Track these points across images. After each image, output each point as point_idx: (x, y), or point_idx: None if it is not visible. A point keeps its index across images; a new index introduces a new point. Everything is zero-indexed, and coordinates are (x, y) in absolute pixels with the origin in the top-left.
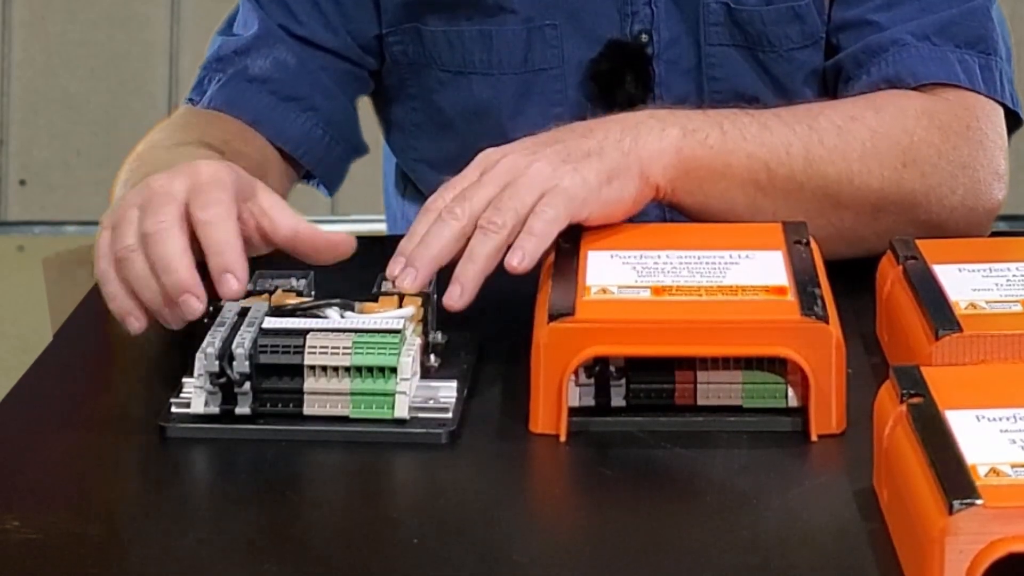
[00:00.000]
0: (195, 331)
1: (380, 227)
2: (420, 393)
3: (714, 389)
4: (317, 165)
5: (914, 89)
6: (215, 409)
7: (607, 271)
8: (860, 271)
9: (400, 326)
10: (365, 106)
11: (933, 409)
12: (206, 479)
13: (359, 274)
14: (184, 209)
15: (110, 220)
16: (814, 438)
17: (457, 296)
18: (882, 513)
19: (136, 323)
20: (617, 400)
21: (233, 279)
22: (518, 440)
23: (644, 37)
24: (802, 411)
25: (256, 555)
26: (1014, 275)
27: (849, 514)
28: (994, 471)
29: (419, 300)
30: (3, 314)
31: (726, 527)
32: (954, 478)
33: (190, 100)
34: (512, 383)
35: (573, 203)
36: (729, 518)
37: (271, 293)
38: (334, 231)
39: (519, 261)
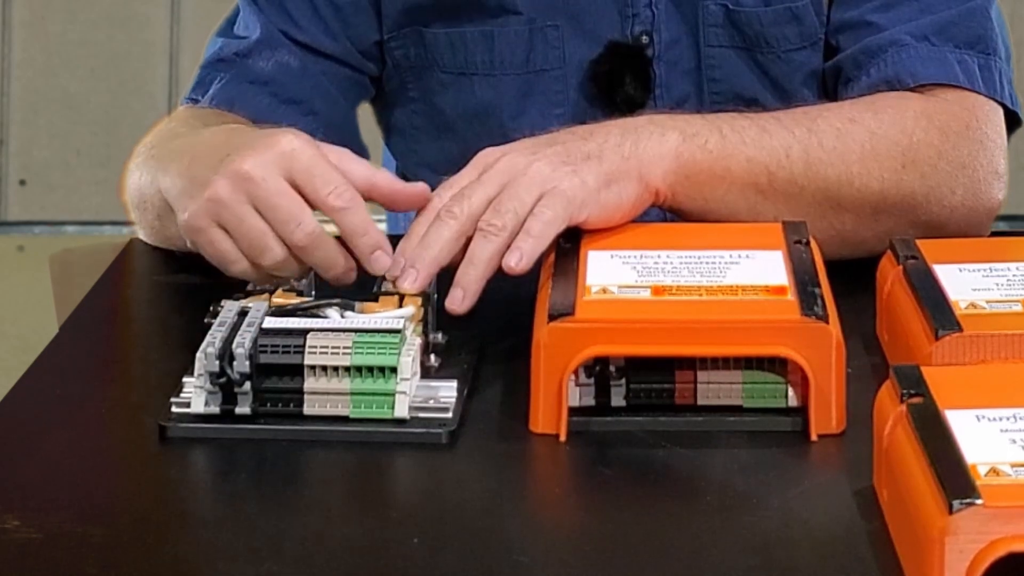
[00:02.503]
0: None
1: (380, 227)
2: (420, 393)
3: (714, 389)
4: None
5: (913, 90)
6: (215, 409)
7: (607, 271)
8: (860, 271)
9: (400, 326)
10: (365, 111)
11: (933, 409)
12: (206, 479)
13: (359, 274)
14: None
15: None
16: (814, 438)
17: (459, 300)
18: (882, 513)
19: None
20: (617, 400)
21: (383, 254)
22: (518, 440)
23: (645, 38)
24: (802, 411)
25: (256, 555)
26: (1014, 275)
27: (849, 514)
28: (994, 471)
29: (419, 300)
30: (3, 314)
31: (726, 527)
32: (954, 478)
33: (191, 100)
34: (512, 383)
35: (572, 205)
36: (729, 518)
37: (271, 293)
38: (406, 184)
39: (517, 262)
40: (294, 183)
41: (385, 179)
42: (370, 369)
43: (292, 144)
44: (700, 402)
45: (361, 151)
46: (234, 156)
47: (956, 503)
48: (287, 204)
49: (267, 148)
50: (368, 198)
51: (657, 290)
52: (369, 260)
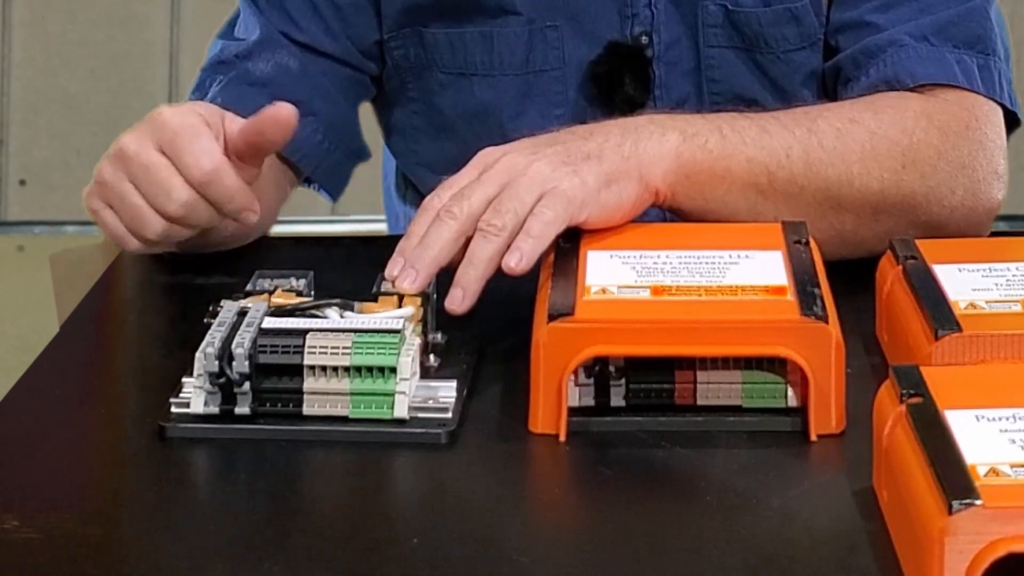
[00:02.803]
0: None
1: (380, 227)
2: (420, 393)
3: (714, 389)
4: (315, 170)
5: (913, 90)
6: (215, 409)
7: (607, 271)
8: (860, 271)
9: (400, 326)
10: (366, 109)
11: (933, 409)
12: (206, 479)
13: (359, 274)
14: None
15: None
16: (814, 438)
17: (459, 300)
18: (882, 513)
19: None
20: (617, 400)
21: (251, 213)
22: (518, 440)
23: (644, 39)
24: (802, 411)
25: (256, 555)
26: (1014, 275)
27: (849, 514)
28: (994, 471)
29: (418, 300)
30: (3, 314)
31: (726, 527)
32: (954, 478)
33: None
34: (512, 383)
35: (572, 205)
36: (729, 518)
37: (271, 293)
38: (263, 113)
39: (516, 262)
40: (165, 153)
41: (248, 121)
42: (370, 369)
43: (162, 115)
44: (700, 402)
45: (361, 151)
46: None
47: (956, 503)
48: (156, 176)
49: (143, 122)
50: (245, 142)
51: (657, 290)
52: (239, 219)
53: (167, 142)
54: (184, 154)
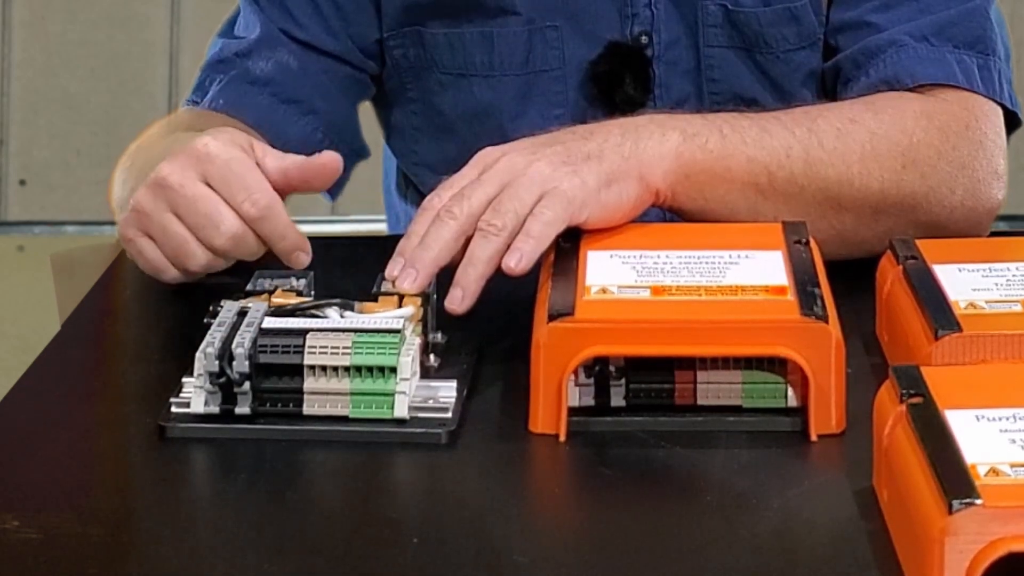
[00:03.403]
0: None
1: (380, 227)
2: (420, 393)
3: (714, 389)
4: None
5: (912, 90)
6: (215, 409)
7: (607, 271)
8: (860, 271)
9: (400, 326)
10: (366, 108)
11: (933, 409)
12: (206, 479)
13: (359, 274)
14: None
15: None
16: (814, 438)
17: (459, 300)
18: (882, 513)
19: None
20: (617, 400)
21: (302, 254)
22: (518, 440)
23: (644, 39)
24: (802, 411)
25: (256, 555)
26: (1014, 275)
27: (849, 514)
28: (994, 471)
29: (418, 300)
30: (3, 314)
31: (726, 527)
32: (954, 478)
33: (192, 102)
34: (512, 383)
35: (572, 205)
36: (729, 518)
37: (271, 293)
38: (312, 158)
39: (516, 263)
40: (211, 186)
41: (294, 164)
42: (370, 369)
43: (208, 147)
44: (700, 402)
45: (361, 150)
46: (159, 165)
47: (956, 503)
48: (204, 208)
49: (184, 153)
50: (287, 185)
51: (657, 290)
52: (290, 260)
53: (216, 176)
54: (237, 190)
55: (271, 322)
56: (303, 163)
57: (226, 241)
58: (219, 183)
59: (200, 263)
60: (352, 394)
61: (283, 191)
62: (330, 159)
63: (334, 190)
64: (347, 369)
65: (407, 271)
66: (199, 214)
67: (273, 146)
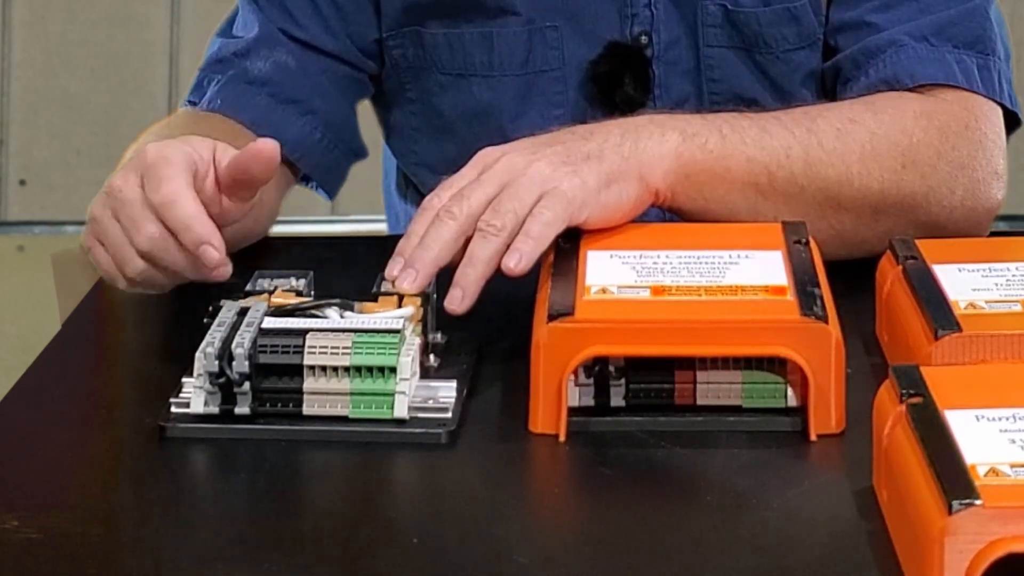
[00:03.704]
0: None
1: (380, 227)
2: (420, 393)
3: (714, 389)
4: (314, 169)
5: (912, 90)
6: (215, 409)
7: (607, 271)
8: (860, 271)
9: (399, 326)
10: (365, 108)
11: (932, 409)
12: (206, 479)
13: (359, 274)
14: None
15: (93, 234)
16: (814, 438)
17: (459, 300)
18: (882, 513)
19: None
20: (617, 400)
21: (211, 248)
22: (518, 440)
23: (644, 39)
24: (802, 411)
25: (256, 555)
26: (1014, 275)
27: (849, 514)
28: (993, 471)
29: (418, 300)
30: (3, 314)
31: (726, 527)
32: (953, 478)
33: (190, 102)
34: (512, 383)
35: (572, 205)
36: (729, 518)
37: (271, 293)
38: (245, 147)
39: (516, 263)
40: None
41: (232, 156)
42: (369, 369)
43: (147, 151)
44: (700, 402)
45: (360, 150)
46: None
47: (956, 503)
48: (130, 212)
49: (134, 157)
50: (231, 177)
51: (657, 290)
52: (197, 254)
53: (144, 176)
54: (152, 187)
55: (271, 322)
56: (237, 153)
57: (144, 241)
58: (144, 183)
59: (136, 268)
60: (352, 394)
61: (232, 189)
62: (263, 144)
63: (332, 189)
64: (347, 369)
65: (407, 271)
66: (127, 217)
67: None
